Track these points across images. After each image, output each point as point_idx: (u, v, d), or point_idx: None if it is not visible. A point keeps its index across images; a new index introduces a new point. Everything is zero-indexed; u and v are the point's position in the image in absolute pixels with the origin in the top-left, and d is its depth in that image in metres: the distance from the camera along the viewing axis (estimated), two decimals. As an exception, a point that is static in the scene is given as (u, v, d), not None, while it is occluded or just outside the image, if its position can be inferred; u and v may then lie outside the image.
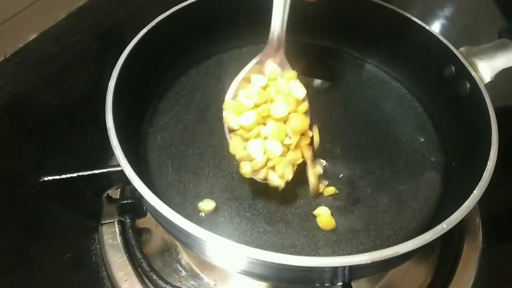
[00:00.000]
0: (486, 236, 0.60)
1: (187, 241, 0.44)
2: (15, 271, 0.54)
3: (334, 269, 0.40)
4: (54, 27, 0.66)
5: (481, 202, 0.43)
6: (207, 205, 0.50)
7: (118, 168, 0.47)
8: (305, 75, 0.64)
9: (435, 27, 0.59)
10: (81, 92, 0.67)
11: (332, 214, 0.51)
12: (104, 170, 0.49)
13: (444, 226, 0.41)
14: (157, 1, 0.58)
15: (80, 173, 0.49)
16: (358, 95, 0.64)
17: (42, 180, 0.48)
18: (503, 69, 0.54)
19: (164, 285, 0.52)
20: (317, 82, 0.65)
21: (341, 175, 0.55)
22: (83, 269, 0.56)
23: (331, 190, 0.53)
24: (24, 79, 0.64)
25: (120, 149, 0.44)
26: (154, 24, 0.56)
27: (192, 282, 0.55)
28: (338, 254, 0.48)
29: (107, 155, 0.63)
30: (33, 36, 0.64)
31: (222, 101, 0.60)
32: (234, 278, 0.56)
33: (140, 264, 0.54)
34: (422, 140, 0.59)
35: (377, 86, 0.65)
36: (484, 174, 0.44)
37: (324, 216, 0.50)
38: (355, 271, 0.43)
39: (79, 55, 0.69)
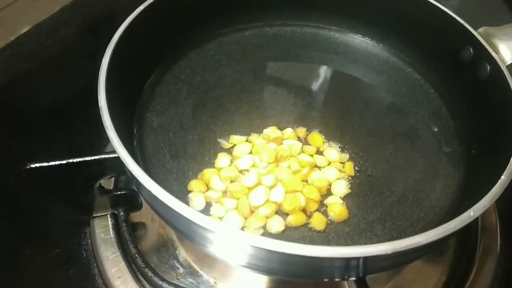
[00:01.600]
0: (504, 232, 0.57)
1: (187, 231, 0.40)
2: (2, 267, 0.50)
3: (349, 261, 0.37)
4: (47, 20, 0.64)
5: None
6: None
7: (112, 155, 0.44)
8: (315, 61, 0.62)
9: (449, 9, 0.56)
10: (74, 85, 0.65)
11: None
12: (96, 157, 0.46)
13: (472, 213, 0.37)
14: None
15: (70, 160, 0.45)
16: (370, 80, 0.61)
17: (28, 167, 0.45)
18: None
19: (160, 282, 0.48)
20: (327, 67, 0.62)
21: (353, 163, 0.51)
22: (73, 265, 0.53)
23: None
24: (15, 72, 0.61)
25: (114, 129, 0.40)
26: (151, 1, 0.53)
27: (190, 279, 0.52)
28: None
29: (99, 146, 0.60)
30: (25, 29, 0.61)
31: (222, 85, 0.58)
32: (236, 274, 0.52)
33: (134, 260, 0.50)
34: (438, 127, 0.56)
35: (389, 71, 0.62)
36: (512, 158, 0.41)
37: (335, 205, 0.46)
38: (371, 264, 0.40)
39: (72, 48, 0.66)
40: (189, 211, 0.35)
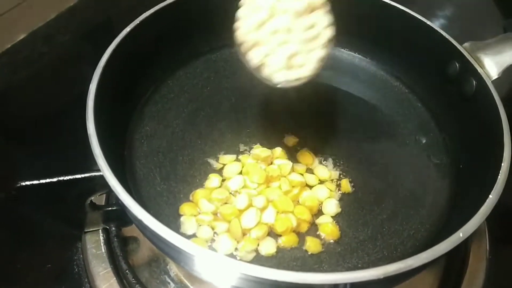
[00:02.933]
0: (493, 246, 0.56)
1: (177, 256, 0.40)
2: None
3: (338, 286, 0.37)
4: (43, 27, 0.64)
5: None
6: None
7: (101, 173, 0.43)
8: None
9: (437, 24, 0.56)
10: (70, 93, 0.64)
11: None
12: (87, 175, 0.45)
13: (461, 235, 0.37)
14: (149, 2, 0.55)
15: (61, 178, 0.45)
16: (357, 95, 0.61)
17: (19, 185, 0.44)
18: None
19: (150, 298, 0.48)
20: (315, 82, 0.61)
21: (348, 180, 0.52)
22: (64, 281, 0.53)
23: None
24: (11, 80, 0.61)
25: (103, 157, 0.40)
26: (138, 22, 0.53)
27: (181, 294, 0.52)
28: (343, 267, 0.45)
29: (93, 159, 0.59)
30: (22, 36, 0.61)
31: (211, 103, 0.58)
32: (226, 290, 0.52)
33: (125, 275, 0.50)
34: (426, 141, 0.56)
35: (377, 85, 0.62)
36: (499, 176, 0.42)
37: (327, 225, 0.46)
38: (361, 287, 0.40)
39: (69, 55, 0.66)
40: (178, 239, 0.35)
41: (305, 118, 0.57)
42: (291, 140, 0.54)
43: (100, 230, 0.54)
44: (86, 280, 0.52)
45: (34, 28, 0.62)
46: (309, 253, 0.45)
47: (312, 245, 0.45)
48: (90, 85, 0.45)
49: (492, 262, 0.55)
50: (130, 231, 0.55)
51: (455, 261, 0.55)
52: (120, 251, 0.52)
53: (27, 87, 0.62)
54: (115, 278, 0.51)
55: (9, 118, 0.61)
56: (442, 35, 0.55)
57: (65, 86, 0.64)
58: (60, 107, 0.64)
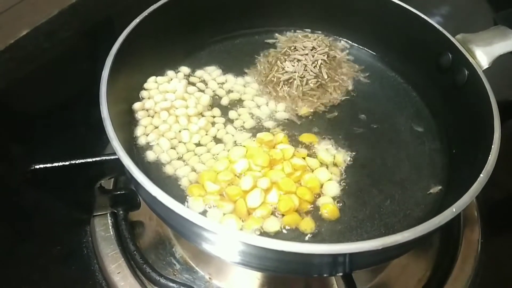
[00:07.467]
0: (485, 230, 0.59)
1: (186, 231, 0.43)
2: (3, 264, 0.53)
3: (339, 257, 0.39)
4: (45, 23, 0.65)
5: (479, 195, 0.42)
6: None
7: (112, 157, 0.46)
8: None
9: (431, 18, 0.59)
10: (73, 87, 0.67)
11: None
12: (98, 159, 0.47)
13: (454, 210, 0.40)
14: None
15: (73, 161, 0.47)
16: (355, 85, 0.63)
17: (33, 168, 0.46)
18: (501, 55, 0.55)
19: (157, 277, 0.50)
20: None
21: (341, 165, 0.54)
22: (74, 262, 0.55)
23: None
24: (15, 75, 0.62)
25: (117, 139, 0.43)
26: (146, 14, 0.55)
27: (187, 275, 0.54)
28: (343, 243, 0.47)
29: (99, 147, 0.61)
30: (24, 32, 0.62)
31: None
32: (230, 271, 0.54)
33: (133, 256, 0.52)
34: (421, 128, 0.59)
35: (373, 75, 0.65)
36: (490, 157, 0.44)
37: (327, 206, 0.49)
38: (358, 260, 0.42)
39: (71, 51, 0.68)
40: (193, 215, 0.38)
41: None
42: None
43: (108, 214, 0.56)
44: (95, 261, 0.54)
45: (37, 24, 0.63)
46: (304, 232, 0.48)
47: (304, 225, 0.48)
48: (103, 72, 0.48)
49: (484, 245, 0.57)
50: (136, 215, 0.57)
51: (448, 245, 0.57)
52: (127, 234, 0.54)
53: (31, 81, 0.64)
54: (123, 259, 0.53)
55: (15, 111, 0.63)
56: (436, 27, 0.58)
57: (68, 80, 0.66)
58: (63, 101, 0.66)
